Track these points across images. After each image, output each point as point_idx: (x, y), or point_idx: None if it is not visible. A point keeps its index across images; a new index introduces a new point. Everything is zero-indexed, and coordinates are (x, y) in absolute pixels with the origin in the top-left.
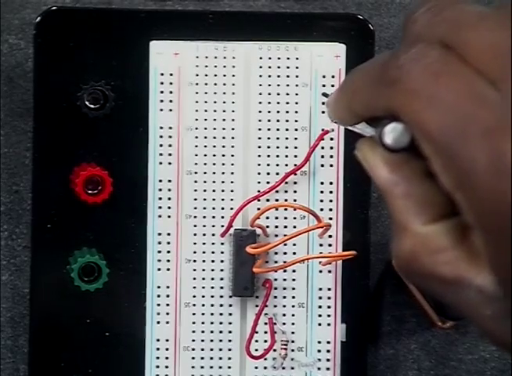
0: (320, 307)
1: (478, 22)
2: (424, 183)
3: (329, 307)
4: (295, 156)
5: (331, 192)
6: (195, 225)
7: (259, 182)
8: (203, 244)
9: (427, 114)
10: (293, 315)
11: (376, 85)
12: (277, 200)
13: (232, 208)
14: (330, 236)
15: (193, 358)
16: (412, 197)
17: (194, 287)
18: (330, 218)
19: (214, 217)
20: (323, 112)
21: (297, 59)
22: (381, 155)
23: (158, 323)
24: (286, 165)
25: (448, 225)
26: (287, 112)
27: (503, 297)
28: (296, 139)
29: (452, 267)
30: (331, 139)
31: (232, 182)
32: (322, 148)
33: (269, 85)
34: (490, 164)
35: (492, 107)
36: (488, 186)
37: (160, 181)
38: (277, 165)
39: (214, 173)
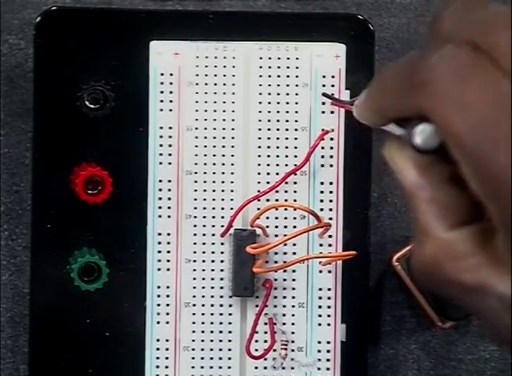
0: (320, 307)
1: (509, 23)
2: (450, 188)
3: (329, 307)
4: (295, 156)
5: (331, 192)
6: (195, 225)
7: (259, 182)
8: (203, 244)
9: (457, 119)
10: (293, 315)
11: (405, 86)
12: (277, 200)
13: (232, 208)
14: (330, 236)
15: (193, 358)
16: (436, 202)
17: (194, 287)
18: (330, 218)
19: (214, 217)
20: (323, 112)
21: (297, 59)
22: (410, 157)
23: (158, 323)
24: (286, 165)
25: (471, 231)
26: (287, 112)
27: None
28: (296, 139)
29: (474, 273)
30: (331, 139)
31: (232, 182)
32: (322, 148)
33: (269, 85)
34: None
35: None
36: None
37: (160, 181)
38: (277, 165)
39: (214, 173)
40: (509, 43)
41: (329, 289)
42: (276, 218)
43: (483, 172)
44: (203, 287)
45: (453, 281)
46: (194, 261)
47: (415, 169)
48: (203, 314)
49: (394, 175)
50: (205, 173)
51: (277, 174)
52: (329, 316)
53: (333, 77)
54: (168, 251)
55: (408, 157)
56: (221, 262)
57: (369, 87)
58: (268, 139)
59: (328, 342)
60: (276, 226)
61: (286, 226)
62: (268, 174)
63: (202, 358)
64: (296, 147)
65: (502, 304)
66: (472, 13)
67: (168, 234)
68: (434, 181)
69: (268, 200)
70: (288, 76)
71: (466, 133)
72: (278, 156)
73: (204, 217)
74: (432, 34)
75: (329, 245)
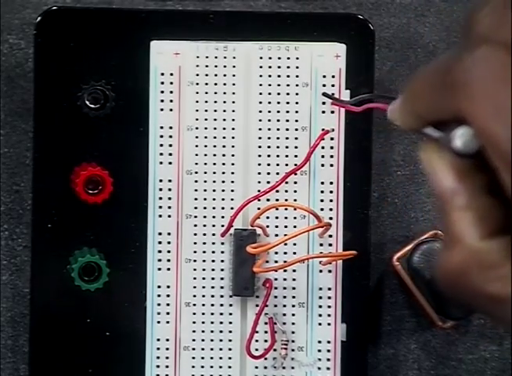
0: (320, 307)
1: None
2: (486, 197)
3: (329, 307)
4: (295, 156)
5: (331, 192)
6: (195, 225)
7: (259, 182)
8: (204, 243)
9: (496, 124)
10: (293, 314)
11: (441, 88)
12: (277, 199)
13: (232, 208)
14: (331, 236)
15: (193, 358)
16: (471, 210)
17: (194, 287)
18: (331, 218)
19: (214, 217)
20: (324, 112)
21: (297, 58)
22: (448, 161)
23: (158, 322)
24: (287, 165)
25: (503, 241)
26: (287, 112)
27: None
28: (296, 138)
29: (503, 285)
30: (331, 138)
31: (232, 181)
32: (323, 148)
33: (269, 85)
34: None
35: None
36: None
37: (161, 181)
38: (277, 165)
39: (214, 173)
40: None
41: (329, 289)
42: (276, 217)
43: None
44: (204, 287)
45: (480, 291)
46: (194, 260)
47: (452, 174)
48: (203, 314)
49: (429, 178)
50: (205, 173)
51: (277, 174)
52: (329, 315)
53: (333, 76)
54: (169, 251)
55: (446, 160)
56: (222, 261)
57: (406, 90)
58: (269, 138)
59: (328, 342)
60: (276, 226)
61: (286, 226)
62: (268, 174)
63: (202, 358)
64: (296, 147)
65: None
66: (509, 14)
67: (169, 234)
68: (470, 188)
69: (268, 200)
70: (288, 76)
71: (505, 141)
72: (278, 156)
73: (205, 217)
74: (467, 35)
75: (330, 245)
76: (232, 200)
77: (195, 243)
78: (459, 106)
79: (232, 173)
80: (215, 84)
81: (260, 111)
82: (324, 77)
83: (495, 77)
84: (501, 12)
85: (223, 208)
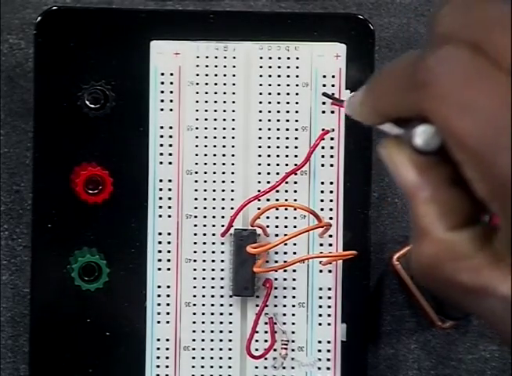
0: (320, 307)
1: (509, 23)
2: (450, 188)
3: (329, 307)
4: (295, 156)
5: (331, 192)
6: (195, 225)
7: (259, 182)
8: (204, 243)
9: (459, 121)
10: (293, 314)
11: (404, 86)
12: (277, 199)
13: (232, 208)
14: (331, 236)
15: (194, 358)
16: (437, 202)
17: (194, 287)
18: (331, 218)
19: (214, 217)
20: (324, 112)
21: (297, 58)
22: (409, 156)
23: (158, 322)
24: (287, 165)
25: (472, 232)
26: (288, 112)
27: None
28: (296, 138)
29: (474, 275)
30: (331, 138)
31: (232, 181)
32: (323, 148)
33: (270, 85)
34: None
35: None
36: None
37: (161, 181)
38: (277, 165)
39: (214, 173)
40: (509, 43)
41: (329, 289)
42: (277, 217)
43: (487, 174)
44: (204, 287)
45: (453, 282)
46: (194, 260)
47: (415, 169)
48: (203, 314)
49: (392, 174)
50: (205, 173)
51: (277, 174)
52: (329, 315)
53: (333, 76)
54: (169, 251)
55: (407, 157)
56: (222, 261)
57: (368, 85)
58: (269, 138)
59: (328, 342)
60: (277, 226)
61: (286, 226)
62: (268, 174)
63: (202, 358)
64: (296, 147)
65: (504, 305)
66: (470, 13)
67: (169, 234)
68: (434, 181)
69: (268, 200)
70: (288, 76)
71: (469, 136)
72: (278, 156)
73: (205, 217)
74: (431, 35)
75: (330, 245)
76: (232, 200)
77: (195, 243)
78: (422, 104)
79: (232, 173)
80: (215, 84)
81: (260, 111)
82: (324, 77)
83: (457, 76)
84: (463, 12)
85: (223, 208)
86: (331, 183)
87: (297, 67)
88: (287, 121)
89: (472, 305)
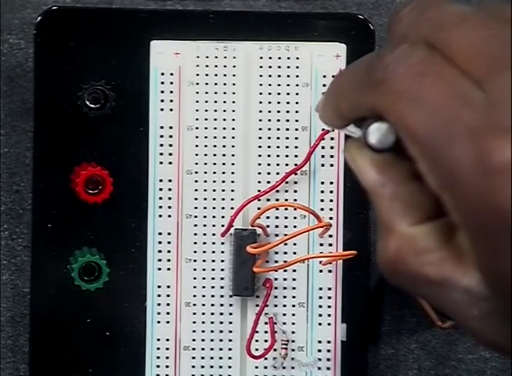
0: (320, 307)
1: (461, 22)
2: (410, 185)
3: (329, 307)
4: (295, 156)
5: (331, 192)
6: (195, 225)
7: (259, 182)
8: (204, 243)
9: (412, 115)
10: (293, 314)
11: (361, 86)
12: (277, 199)
13: (232, 208)
14: (331, 236)
15: (194, 358)
16: (398, 199)
17: (194, 287)
18: (331, 218)
19: (214, 217)
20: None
21: (297, 58)
22: (369, 156)
23: (158, 322)
24: (287, 165)
25: (433, 226)
26: (288, 112)
27: (491, 296)
28: (296, 138)
29: (437, 268)
30: (331, 138)
31: (232, 181)
32: (323, 148)
33: (270, 85)
34: (475, 165)
35: (477, 108)
36: (473, 186)
37: (161, 180)
38: (277, 165)
39: (214, 173)
40: (462, 41)
41: (329, 289)
42: (277, 217)
43: (439, 166)
44: (204, 287)
45: (418, 276)
46: (194, 260)
47: (374, 168)
48: (203, 314)
49: (356, 175)
50: (205, 173)
51: (277, 173)
52: (329, 315)
53: (333, 76)
54: (169, 251)
55: (367, 156)
56: (222, 261)
57: (328, 88)
58: (269, 138)
59: (328, 342)
60: (277, 226)
61: (286, 226)
62: (268, 173)
63: (202, 357)
64: (296, 147)
65: (467, 297)
66: (426, 13)
67: (169, 234)
68: (394, 178)
69: (268, 200)
70: (288, 76)
71: (421, 130)
72: (278, 155)
73: (205, 216)
74: (390, 35)
75: (330, 245)
76: (232, 200)
77: (195, 243)
78: (377, 101)
79: (233, 173)
80: (215, 84)
81: (260, 111)
82: (324, 77)
83: (411, 72)
84: (418, 12)
85: (223, 208)
86: (331, 183)
87: (297, 67)
88: (287, 120)
89: (436, 297)
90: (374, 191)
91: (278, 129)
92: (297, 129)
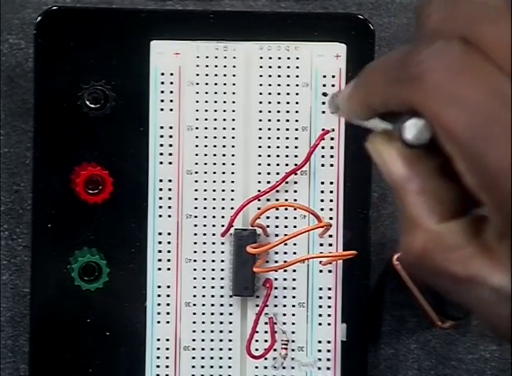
0: (320, 307)
1: (498, 17)
2: (439, 180)
3: (329, 307)
4: (295, 156)
5: (331, 192)
6: (195, 225)
7: (259, 182)
8: (204, 243)
9: (450, 113)
10: (293, 314)
11: (395, 81)
12: (277, 199)
13: (232, 208)
14: (331, 236)
15: (194, 358)
16: (426, 194)
17: (194, 287)
18: (331, 218)
19: (214, 217)
20: (324, 112)
21: (297, 58)
22: (397, 150)
23: (158, 322)
24: (287, 165)
25: (462, 223)
26: (288, 112)
27: None
28: (296, 138)
29: (465, 265)
30: (331, 138)
31: (232, 181)
32: (323, 148)
33: (270, 85)
34: None
35: None
36: None
37: (161, 180)
38: (277, 165)
39: (214, 173)
40: (500, 37)
41: (329, 289)
42: (277, 217)
43: (478, 166)
44: (204, 287)
45: (444, 273)
46: (194, 260)
47: (403, 162)
48: (203, 314)
49: (380, 167)
50: (205, 173)
51: (277, 174)
52: (329, 315)
53: (333, 76)
54: (169, 251)
55: (395, 150)
56: (222, 261)
57: (357, 79)
58: (269, 138)
59: (328, 342)
60: (277, 226)
61: (286, 226)
62: (268, 173)
63: (202, 358)
64: (296, 147)
65: (495, 295)
66: (458, 7)
67: (169, 234)
68: (422, 173)
69: (268, 200)
70: (288, 76)
71: (459, 128)
72: (278, 155)
73: (205, 217)
74: (420, 29)
75: (330, 245)
76: (232, 200)
77: (195, 243)
78: (413, 98)
79: (233, 173)
80: (215, 84)
81: (260, 111)
82: (324, 77)
83: (449, 69)
84: (449, 6)
85: (223, 208)
86: (331, 183)
87: (297, 67)
88: (287, 121)
89: (462, 295)
90: (400, 185)
91: (278, 129)
92: (297, 129)
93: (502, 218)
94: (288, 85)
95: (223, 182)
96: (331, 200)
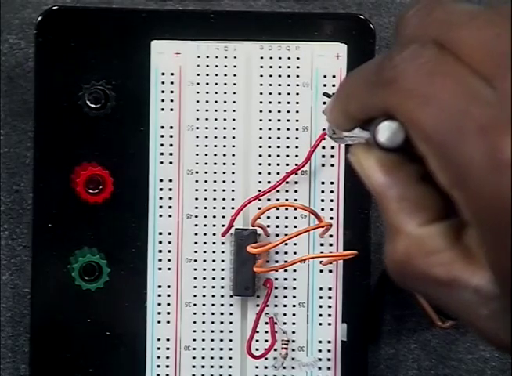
0: (321, 306)
1: (470, 20)
2: (418, 186)
3: (329, 307)
4: (296, 155)
5: (332, 191)
6: (196, 225)
7: (260, 182)
8: (204, 243)
9: (423, 113)
10: (293, 314)
11: (371, 86)
12: (278, 199)
13: (232, 208)
14: (331, 236)
15: (194, 357)
16: (406, 200)
17: (195, 287)
18: (331, 218)
19: (214, 216)
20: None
21: (297, 58)
22: (376, 158)
23: (159, 322)
24: (287, 165)
25: (442, 226)
26: (288, 112)
27: (501, 295)
28: (297, 138)
29: (447, 268)
30: None
31: (233, 181)
32: (323, 148)
33: (270, 85)
34: (486, 161)
35: (487, 105)
36: (484, 182)
37: (161, 180)
38: (278, 165)
39: (215, 173)
40: (471, 39)
41: (329, 288)
42: (277, 217)
43: (449, 163)
44: (204, 287)
45: (427, 277)
46: (195, 260)
47: (382, 169)
48: (203, 313)
49: (362, 177)
50: (206, 172)
51: (278, 173)
52: (329, 315)
53: (334, 76)
54: (169, 251)
55: (374, 158)
56: (222, 261)
57: (337, 90)
58: (269, 138)
59: (329, 342)
60: (277, 226)
61: (286, 226)
62: (268, 173)
63: (203, 357)
64: (297, 147)
65: (476, 296)
66: (433, 13)
67: (169, 234)
68: (402, 180)
69: (268, 200)
70: (289, 76)
71: (431, 127)
72: (279, 155)
73: (205, 216)
74: (397, 37)
75: (330, 245)
76: (232, 199)
77: (195, 242)
78: (387, 101)
79: (233, 173)
80: (216, 84)
81: (260, 111)
82: (325, 77)
83: (422, 71)
84: (426, 12)
85: (224, 208)
86: (331, 183)
87: (298, 67)
88: (288, 120)
89: (444, 298)
90: (381, 193)
91: (278, 129)
92: (297, 129)
93: (472, 214)
94: (289, 85)
95: (223, 181)
96: (331, 200)
